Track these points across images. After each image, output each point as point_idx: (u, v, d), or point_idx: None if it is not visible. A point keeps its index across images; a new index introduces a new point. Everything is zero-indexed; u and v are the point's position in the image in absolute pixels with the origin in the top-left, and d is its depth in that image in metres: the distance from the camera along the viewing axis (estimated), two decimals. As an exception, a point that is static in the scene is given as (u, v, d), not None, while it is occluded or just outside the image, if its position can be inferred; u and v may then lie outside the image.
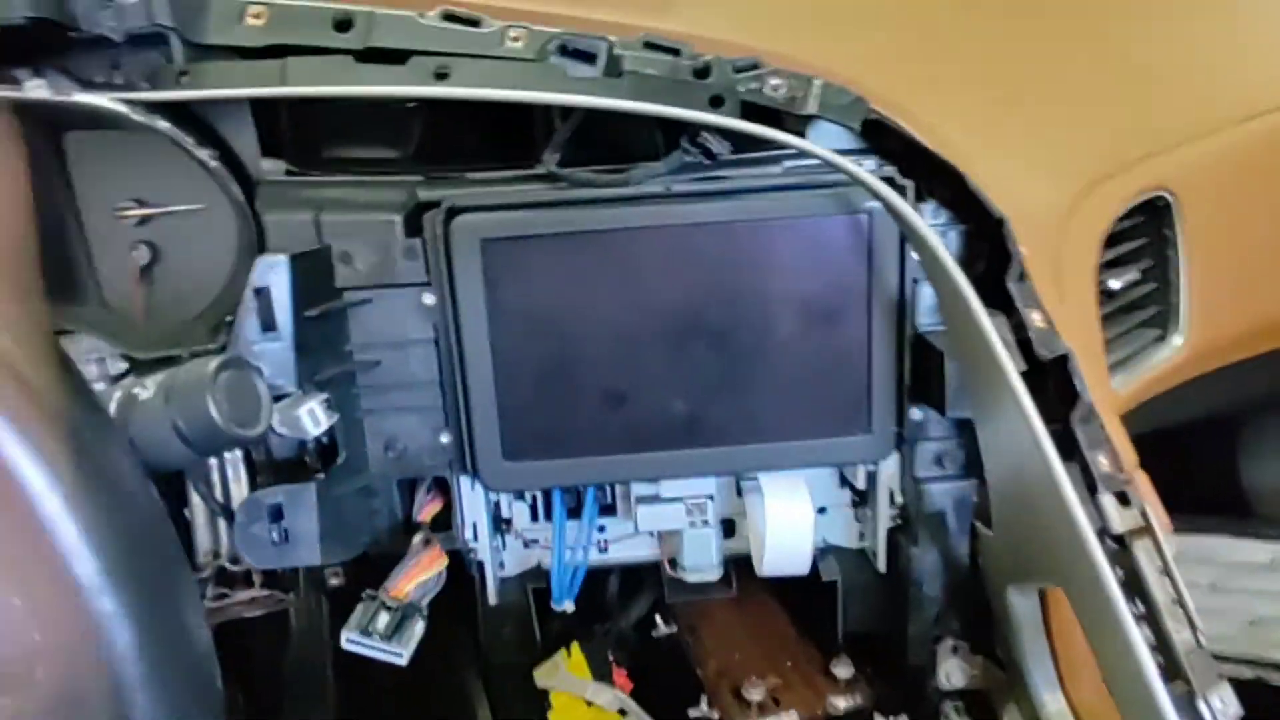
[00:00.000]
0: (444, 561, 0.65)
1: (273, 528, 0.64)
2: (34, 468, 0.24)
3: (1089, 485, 0.57)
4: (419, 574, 0.64)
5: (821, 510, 0.79)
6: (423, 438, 0.68)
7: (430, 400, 0.68)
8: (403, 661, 0.60)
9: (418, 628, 0.61)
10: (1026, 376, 0.57)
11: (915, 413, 0.69)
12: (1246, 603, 1.12)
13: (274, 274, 0.60)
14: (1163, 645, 0.53)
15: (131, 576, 0.27)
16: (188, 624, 0.30)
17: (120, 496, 0.27)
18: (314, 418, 0.61)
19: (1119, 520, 0.56)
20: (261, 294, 0.60)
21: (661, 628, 0.89)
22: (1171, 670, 0.52)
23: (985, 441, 0.61)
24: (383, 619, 0.61)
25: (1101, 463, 0.57)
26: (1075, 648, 0.66)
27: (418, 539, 0.66)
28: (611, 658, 0.74)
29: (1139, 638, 0.52)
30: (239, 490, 0.69)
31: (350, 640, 0.60)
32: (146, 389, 0.43)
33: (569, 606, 0.74)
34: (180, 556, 0.33)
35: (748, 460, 0.68)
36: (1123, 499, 0.57)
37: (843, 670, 0.81)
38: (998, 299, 0.62)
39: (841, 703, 0.80)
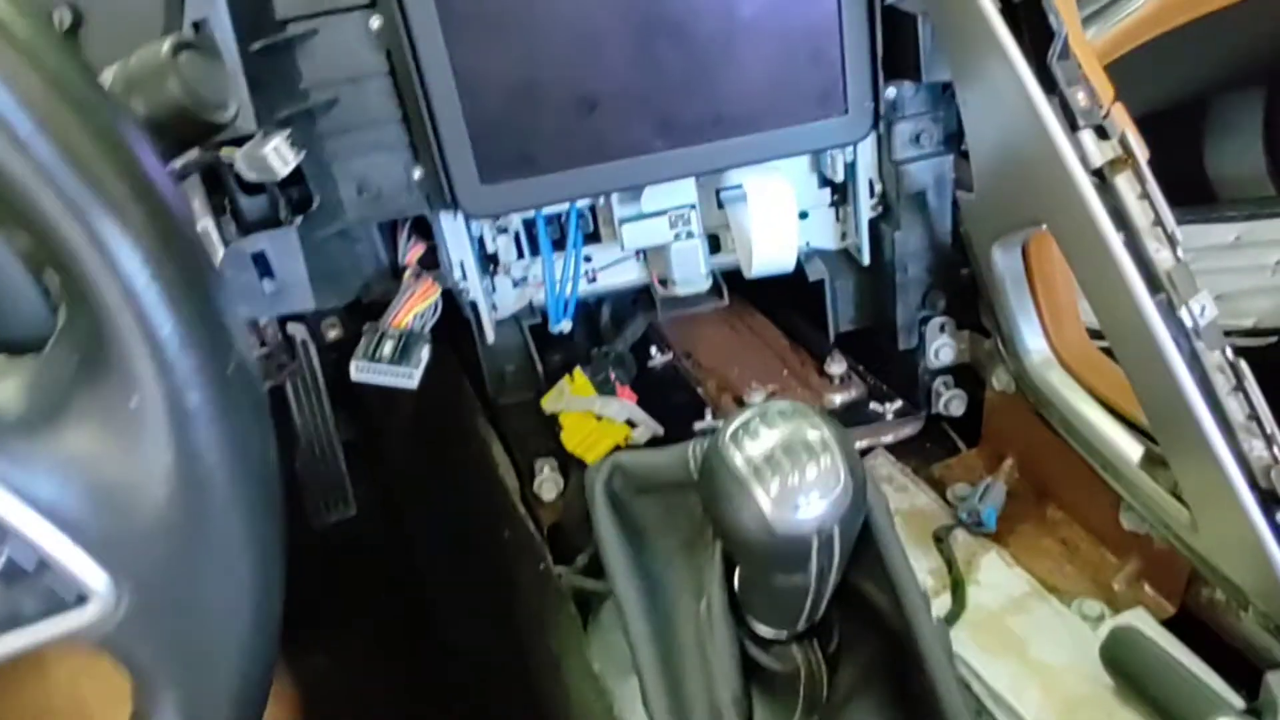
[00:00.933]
0: (438, 290, 0.66)
1: (263, 281, 0.64)
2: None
3: (1070, 123, 0.57)
4: (416, 304, 0.64)
5: (803, 215, 0.79)
6: (394, 176, 0.67)
7: (396, 136, 0.66)
8: (413, 384, 0.61)
9: (424, 352, 0.62)
10: (1003, 18, 0.56)
11: (889, 91, 0.68)
12: (1215, 281, 1.16)
13: (210, 4, 0.57)
14: (1145, 263, 0.55)
15: (139, 198, 0.26)
16: (219, 300, 0.30)
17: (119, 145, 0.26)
18: (280, 155, 0.59)
19: (1098, 153, 0.57)
20: (201, 27, 0.56)
21: (657, 356, 0.91)
22: (1155, 285, 0.54)
23: (966, 97, 0.61)
24: (387, 345, 0.61)
25: (1080, 98, 0.57)
26: (1056, 295, 0.68)
27: (408, 275, 0.66)
28: (613, 377, 0.76)
29: (1124, 257, 0.54)
30: (215, 254, 0.68)
31: (359, 368, 0.61)
32: (103, 80, 0.41)
33: (566, 326, 0.75)
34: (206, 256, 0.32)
35: (725, 156, 0.67)
36: (1101, 132, 0.57)
37: (836, 367, 0.84)
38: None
39: (838, 397, 0.83)
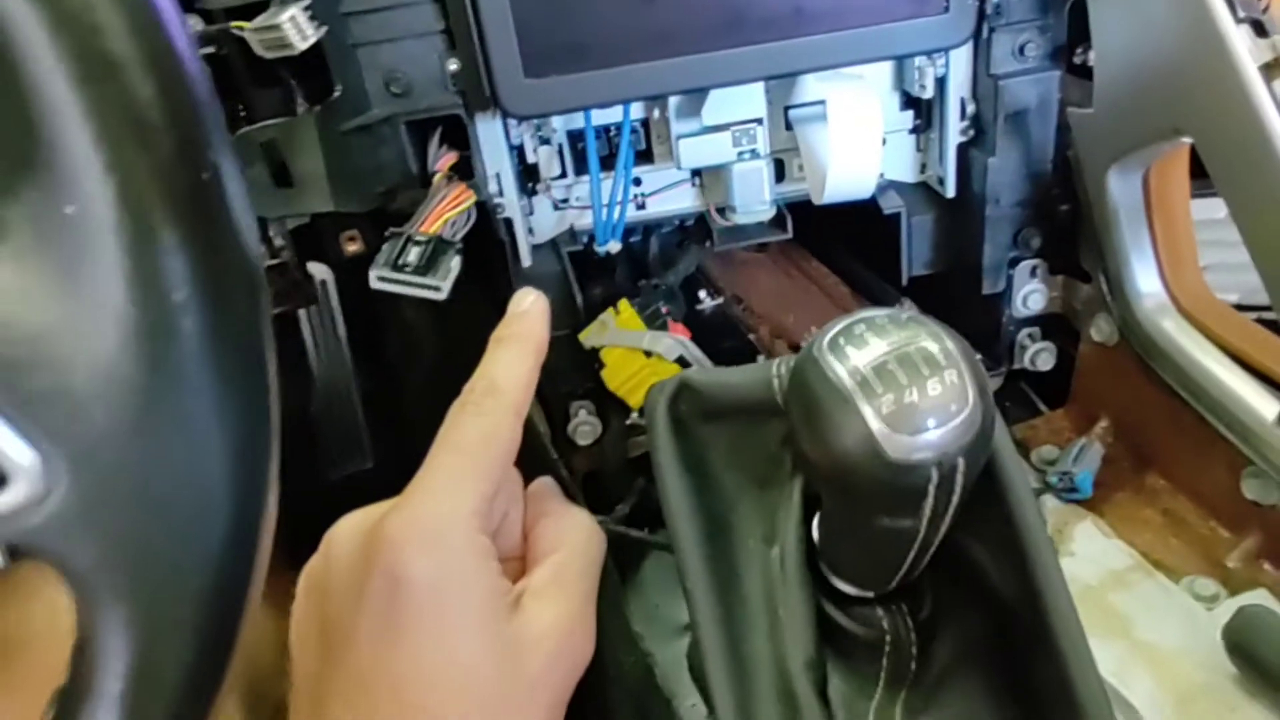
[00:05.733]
0: (472, 197, 0.58)
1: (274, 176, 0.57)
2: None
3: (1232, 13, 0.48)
4: (446, 210, 0.56)
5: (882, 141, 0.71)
6: (428, 68, 0.59)
7: (430, 21, 0.58)
8: (441, 295, 0.54)
9: (454, 262, 0.54)
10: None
11: (993, -11, 0.59)
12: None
13: None
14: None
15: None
16: (191, 69, 0.22)
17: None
18: (298, 27, 0.51)
19: (1255, 52, 0.48)
20: None
21: (706, 300, 0.83)
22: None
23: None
24: (413, 252, 0.54)
25: (1237, -13, 0.49)
26: (1176, 233, 0.60)
27: (439, 179, 0.58)
28: (664, 310, 0.68)
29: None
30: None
31: (381, 278, 0.54)
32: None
33: (615, 247, 0.67)
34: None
35: (801, 57, 0.59)
36: (1259, 29, 0.49)
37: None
38: None
39: (906, 347, 0.75)
